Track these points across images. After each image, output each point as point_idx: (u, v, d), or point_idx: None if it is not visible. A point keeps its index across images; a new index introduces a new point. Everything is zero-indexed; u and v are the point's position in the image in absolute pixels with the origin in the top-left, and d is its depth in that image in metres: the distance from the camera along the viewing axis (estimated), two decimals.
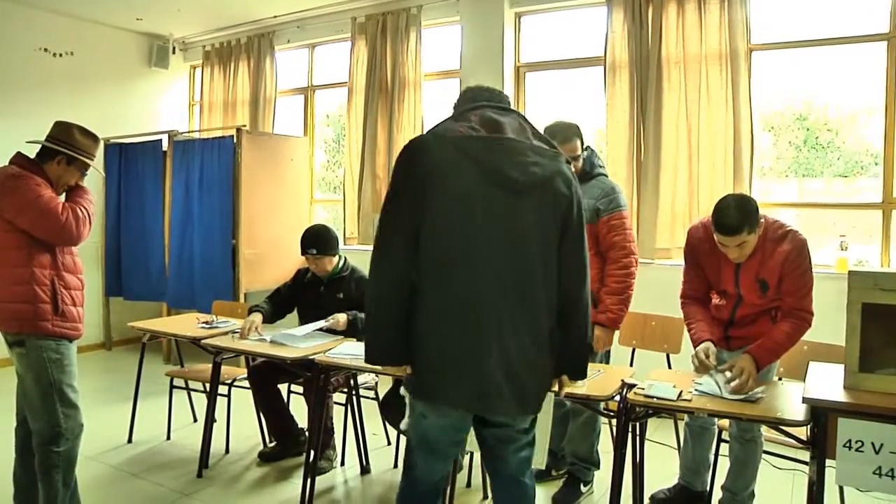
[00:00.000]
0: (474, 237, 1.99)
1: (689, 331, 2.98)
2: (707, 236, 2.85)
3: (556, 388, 2.22)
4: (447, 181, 1.98)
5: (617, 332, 3.36)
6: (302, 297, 3.90)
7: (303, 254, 3.77)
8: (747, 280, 2.84)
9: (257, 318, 3.69)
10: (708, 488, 3.21)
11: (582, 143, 3.27)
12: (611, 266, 3.24)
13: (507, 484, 2.25)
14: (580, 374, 2.21)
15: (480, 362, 1.99)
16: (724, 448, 3.07)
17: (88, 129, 2.92)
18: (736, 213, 2.66)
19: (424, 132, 2.16)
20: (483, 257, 1.99)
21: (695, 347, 2.85)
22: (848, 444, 2.21)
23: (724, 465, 3.09)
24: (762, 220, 2.73)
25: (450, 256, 2.00)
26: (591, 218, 3.20)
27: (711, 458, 3.17)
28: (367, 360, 2.13)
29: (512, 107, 2.19)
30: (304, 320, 3.90)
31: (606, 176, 3.37)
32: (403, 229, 2.01)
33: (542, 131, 2.18)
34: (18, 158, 2.82)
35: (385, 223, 2.05)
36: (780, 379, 3.01)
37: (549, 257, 2.05)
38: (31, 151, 2.86)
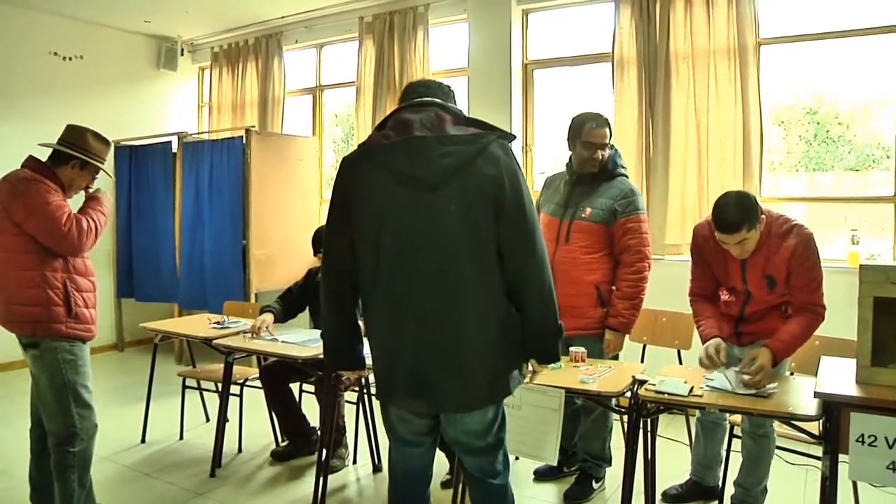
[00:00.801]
0: (394, 242, 2.01)
1: (697, 328, 2.98)
2: (713, 233, 2.84)
3: (528, 374, 2.20)
4: (367, 193, 2.03)
5: None
6: (313, 296, 3.89)
7: (315, 254, 3.78)
8: (754, 276, 2.82)
9: (268, 317, 3.70)
10: (720, 484, 3.20)
11: (610, 134, 3.25)
12: (624, 270, 3.21)
13: (472, 482, 2.26)
14: (548, 357, 2.16)
15: (411, 362, 2.03)
16: (736, 443, 3.06)
17: (101, 133, 2.94)
18: (735, 209, 2.64)
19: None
20: (406, 259, 2.01)
21: (704, 345, 2.84)
22: (861, 439, 2.20)
23: (736, 461, 3.07)
24: (763, 217, 2.71)
25: (375, 263, 2.04)
26: (607, 219, 3.19)
27: (723, 453, 3.16)
28: (329, 368, 2.21)
29: (440, 99, 2.12)
30: (315, 320, 3.92)
31: (627, 177, 3.32)
32: (340, 242, 2.09)
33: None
34: (31, 162, 2.84)
35: (326, 237, 2.17)
36: (791, 374, 3.00)
37: (484, 244, 2.01)
38: (44, 154, 2.87)
